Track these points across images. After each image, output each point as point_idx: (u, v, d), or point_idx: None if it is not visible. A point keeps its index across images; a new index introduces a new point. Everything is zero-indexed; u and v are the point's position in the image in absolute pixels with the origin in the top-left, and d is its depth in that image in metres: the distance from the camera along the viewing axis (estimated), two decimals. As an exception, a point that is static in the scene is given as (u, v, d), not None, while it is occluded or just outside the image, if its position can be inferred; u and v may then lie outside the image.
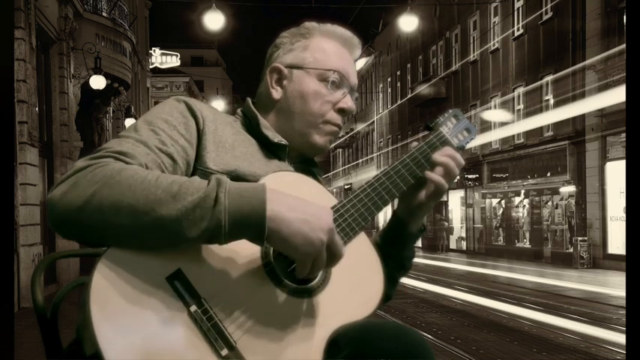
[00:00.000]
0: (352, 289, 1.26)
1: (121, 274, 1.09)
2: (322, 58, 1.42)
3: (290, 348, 1.16)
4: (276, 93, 1.43)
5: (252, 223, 1.11)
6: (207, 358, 1.09)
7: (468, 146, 1.58)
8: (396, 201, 1.46)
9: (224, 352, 1.10)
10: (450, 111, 1.55)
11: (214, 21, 14.86)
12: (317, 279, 1.24)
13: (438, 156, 1.41)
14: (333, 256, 1.17)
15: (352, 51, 1.48)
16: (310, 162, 1.51)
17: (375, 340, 1.19)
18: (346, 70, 1.43)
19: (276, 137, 1.39)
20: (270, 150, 1.40)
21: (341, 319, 1.22)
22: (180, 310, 1.10)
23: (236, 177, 1.29)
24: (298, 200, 1.16)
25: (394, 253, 1.46)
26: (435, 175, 1.40)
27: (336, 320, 1.21)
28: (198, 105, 1.34)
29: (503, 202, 23.91)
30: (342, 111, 1.43)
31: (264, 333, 1.15)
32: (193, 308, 1.10)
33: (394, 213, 1.50)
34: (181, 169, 1.26)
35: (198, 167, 1.29)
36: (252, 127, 1.41)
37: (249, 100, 1.47)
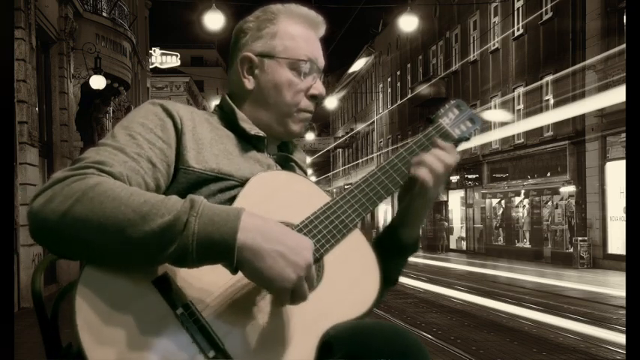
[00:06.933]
0: (346, 288, 1.23)
1: (108, 276, 1.09)
2: (292, 45, 1.40)
3: (281, 348, 1.14)
4: (249, 83, 1.41)
5: (221, 251, 1.08)
6: None
7: (469, 144, 1.55)
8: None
9: (211, 354, 1.09)
10: (453, 102, 1.50)
11: (214, 21, 14.85)
12: None
13: (423, 155, 1.37)
14: (300, 294, 1.12)
15: (317, 31, 1.46)
16: (287, 147, 1.51)
17: (369, 341, 1.16)
18: (315, 55, 1.42)
19: (253, 129, 1.39)
20: (249, 142, 1.39)
21: (335, 318, 1.19)
22: (167, 312, 1.09)
23: (219, 174, 1.29)
24: (277, 228, 1.12)
25: (383, 260, 1.35)
26: (420, 170, 1.35)
27: (330, 319, 1.18)
28: (175, 105, 1.33)
29: (503, 202, 23.90)
30: (313, 97, 1.43)
31: (253, 334, 1.14)
32: (180, 311, 1.09)
33: (392, 220, 1.46)
34: (161, 172, 1.25)
35: (180, 167, 1.27)
36: (229, 121, 1.41)
37: (226, 93, 1.47)
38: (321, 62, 1.45)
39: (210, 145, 1.32)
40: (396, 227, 1.43)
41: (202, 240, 1.06)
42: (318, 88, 1.43)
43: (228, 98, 1.45)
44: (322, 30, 1.47)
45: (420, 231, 1.48)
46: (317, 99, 1.44)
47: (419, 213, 1.41)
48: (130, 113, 1.32)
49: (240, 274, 1.12)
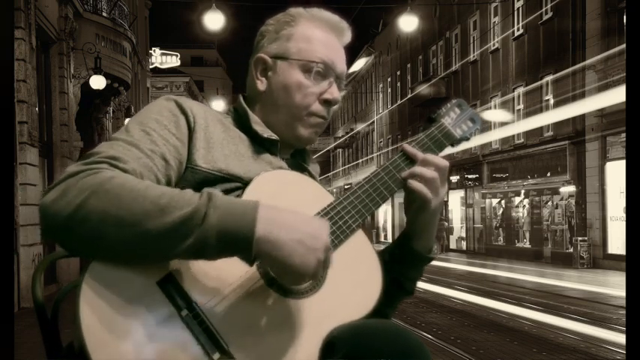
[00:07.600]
0: (349, 288, 1.23)
1: (112, 277, 1.09)
2: (306, 47, 1.37)
3: (284, 350, 1.14)
4: (261, 84, 1.40)
5: (239, 244, 1.08)
6: None
7: (469, 144, 1.53)
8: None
9: (216, 355, 1.09)
10: (454, 100, 1.48)
11: (214, 21, 14.85)
12: None
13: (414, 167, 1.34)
14: (318, 277, 1.17)
15: (340, 36, 1.42)
16: (302, 156, 1.49)
17: (372, 341, 1.16)
18: (331, 59, 1.38)
19: (265, 132, 1.36)
20: (262, 145, 1.37)
21: (338, 319, 1.19)
22: (172, 314, 1.09)
23: (226, 175, 1.28)
24: (292, 216, 1.13)
25: (396, 269, 1.38)
26: (415, 183, 1.32)
27: (333, 320, 1.19)
28: (189, 102, 1.32)
29: (503, 202, 23.91)
30: (327, 102, 1.38)
31: (258, 335, 1.14)
32: (184, 312, 1.09)
33: (403, 230, 1.44)
34: (174, 169, 1.24)
35: (188, 165, 1.26)
36: (242, 123, 1.39)
37: (240, 95, 1.45)
38: (340, 67, 1.40)
39: (221, 146, 1.30)
40: (408, 239, 1.40)
41: (221, 232, 1.07)
42: (333, 93, 1.38)
43: (242, 100, 1.43)
44: (346, 36, 1.43)
45: (434, 241, 1.43)
46: (331, 104, 1.40)
47: (427, 226, 1.37)
48: (143, 108, 1.31)
49: (246, 270, 1.13)
